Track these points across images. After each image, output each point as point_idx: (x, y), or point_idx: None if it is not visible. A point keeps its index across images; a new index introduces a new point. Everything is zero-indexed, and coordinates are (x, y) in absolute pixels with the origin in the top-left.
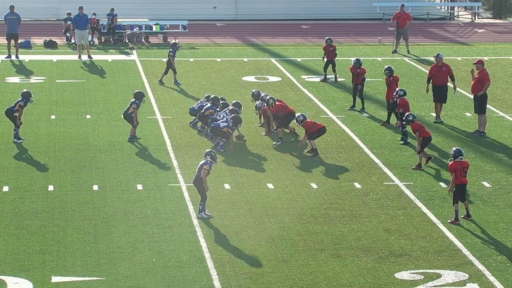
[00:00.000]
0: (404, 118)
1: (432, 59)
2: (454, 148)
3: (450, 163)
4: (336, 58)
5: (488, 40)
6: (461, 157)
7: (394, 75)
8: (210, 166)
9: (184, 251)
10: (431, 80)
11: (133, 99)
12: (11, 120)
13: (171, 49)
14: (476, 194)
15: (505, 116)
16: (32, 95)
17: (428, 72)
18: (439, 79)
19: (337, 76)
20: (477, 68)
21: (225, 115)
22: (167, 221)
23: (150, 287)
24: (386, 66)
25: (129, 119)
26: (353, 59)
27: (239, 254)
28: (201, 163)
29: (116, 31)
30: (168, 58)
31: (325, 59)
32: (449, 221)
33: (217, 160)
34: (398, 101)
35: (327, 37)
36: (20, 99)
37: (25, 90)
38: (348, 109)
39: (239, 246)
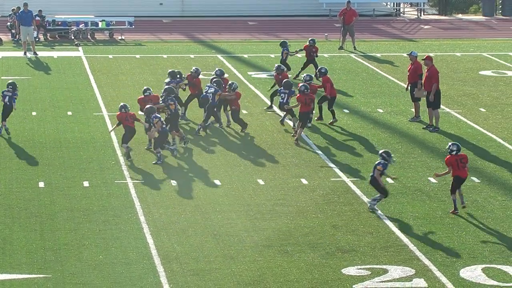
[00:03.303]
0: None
1: (378, 55)
2: (450, 143)
3: (447, 157)
4: (288, 56)
5: (434, 37)
6: (459, 151)
7: (327, 75)
8: (383, 166)
9: (131, 247)
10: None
11: (6, 89)
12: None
13: (284, 48)
14: (423, 190)
15: (451, 112)
16: (182, 73)
17: None
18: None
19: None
20: (425, 64)
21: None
22: (113, 218)
23: (97, 284)
24: (319, 67)
25: (10, 111)
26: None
27: (186, 250)
28: (376, 163)
29: (61, 27)
30: (283, 58)
31: (296, 55)
32: (450, 211)
33: (392, 159)
34: (321, 79)
35: (310, 38)
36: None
37: (170, 70)
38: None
39: (186, 242)
